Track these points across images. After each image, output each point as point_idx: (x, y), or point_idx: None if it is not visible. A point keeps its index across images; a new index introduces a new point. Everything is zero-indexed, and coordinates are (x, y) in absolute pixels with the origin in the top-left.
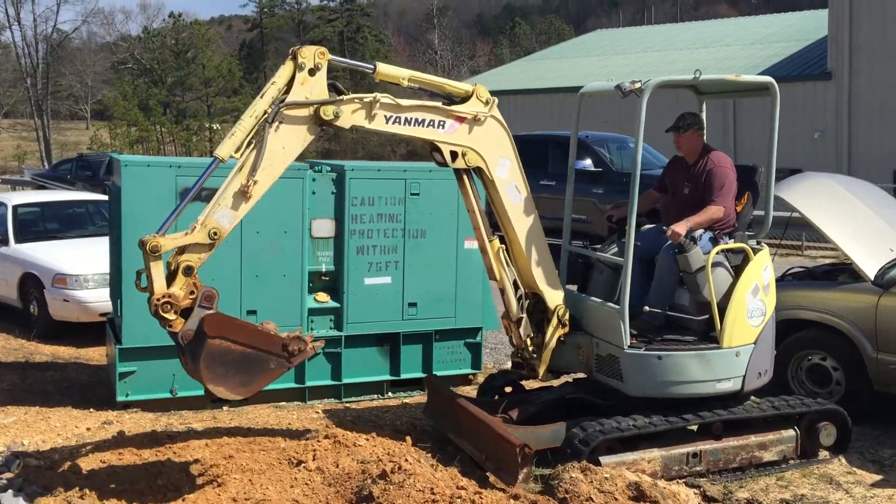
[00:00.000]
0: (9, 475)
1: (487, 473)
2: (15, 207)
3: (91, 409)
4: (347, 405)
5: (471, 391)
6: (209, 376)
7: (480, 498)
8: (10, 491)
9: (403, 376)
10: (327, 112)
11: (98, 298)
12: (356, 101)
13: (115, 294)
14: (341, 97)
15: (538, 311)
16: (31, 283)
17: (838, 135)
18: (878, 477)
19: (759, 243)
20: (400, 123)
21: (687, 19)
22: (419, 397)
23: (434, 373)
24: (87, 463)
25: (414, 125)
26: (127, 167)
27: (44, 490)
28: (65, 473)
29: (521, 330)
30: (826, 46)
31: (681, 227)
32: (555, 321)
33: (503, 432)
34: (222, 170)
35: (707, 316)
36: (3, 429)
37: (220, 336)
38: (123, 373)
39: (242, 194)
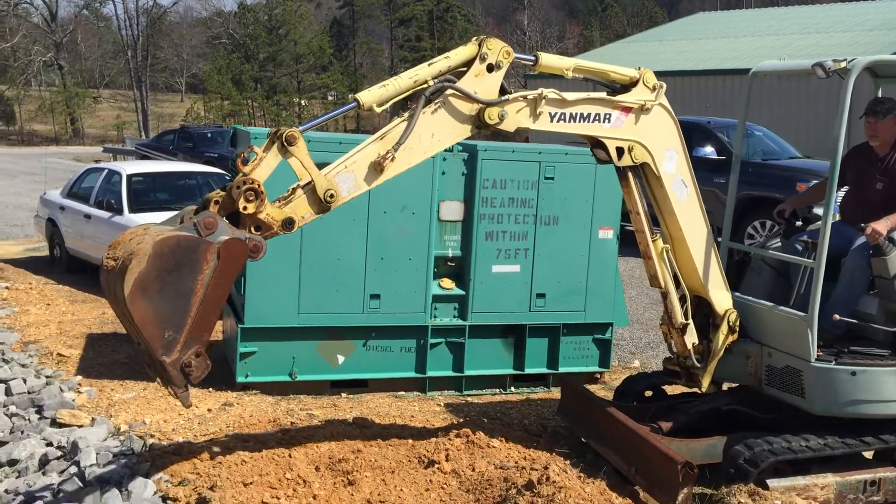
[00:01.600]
0: (134, 459)
1: (637, 489)
2: (129, 177)
3: (210, 389)
4: (469, 398)
5: (598, 390)
6: (158, 249)
7: None
8: (139, 478)
9: (527, 371)
10: (492, 116)
11: None
12: (521, 99)
13: None
14: (506, 97)
15: (700, 315)
16: None
17: None
18: None
19: None
20: (565, 121)
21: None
22: (543, 394)
23: (559, 369)
24: (213, 449)
25: (579, 121)
26: (256, 140)
27: (170, 477)
28: (192, 460)
29: (687, 337)
30: None
31: (881, 226)
32: (724, 327)
33: (661, 446)
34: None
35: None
36: (123, 405)
37: (217, 263)
38: (244, 353)
39: (376, 166)
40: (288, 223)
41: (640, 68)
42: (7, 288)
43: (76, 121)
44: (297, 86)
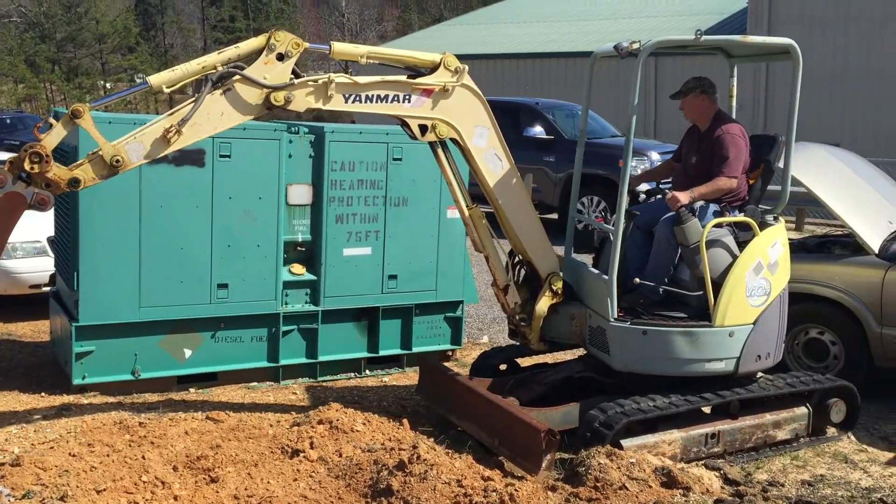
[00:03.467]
0: None
1: (502, 459)
2: None
3: (42, 394)
4: (324, 384)
5: (452, 367)
6: None
7: (515, 490)
8: None
9: (382, 353)
10: (278, 98)
11: (28, 269)
12: (309, 84)
13: (67, 266)
14: (292, 82)
15: (535, 278)
16: None
17: (755, 108)
18: (890, 454)
19: (775, 218)
20: (361, 101)
21: None
22: (398, 375)
23: (413, 349)
24: (57, 457)
25: (376, 102)
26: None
27: (12, 490)
28: (34, 470)
29: (509, 297)
30: (745, 19)
31: (683, 196)
32: (546, 290)
33: (523, 416)
34: None
35: (703, 292)
36: None
37: None
38: (80, 353)
39: (163, 139)
40: (73, 181)
41: (444, 53)
42: None
43: None
44: (101, 67)
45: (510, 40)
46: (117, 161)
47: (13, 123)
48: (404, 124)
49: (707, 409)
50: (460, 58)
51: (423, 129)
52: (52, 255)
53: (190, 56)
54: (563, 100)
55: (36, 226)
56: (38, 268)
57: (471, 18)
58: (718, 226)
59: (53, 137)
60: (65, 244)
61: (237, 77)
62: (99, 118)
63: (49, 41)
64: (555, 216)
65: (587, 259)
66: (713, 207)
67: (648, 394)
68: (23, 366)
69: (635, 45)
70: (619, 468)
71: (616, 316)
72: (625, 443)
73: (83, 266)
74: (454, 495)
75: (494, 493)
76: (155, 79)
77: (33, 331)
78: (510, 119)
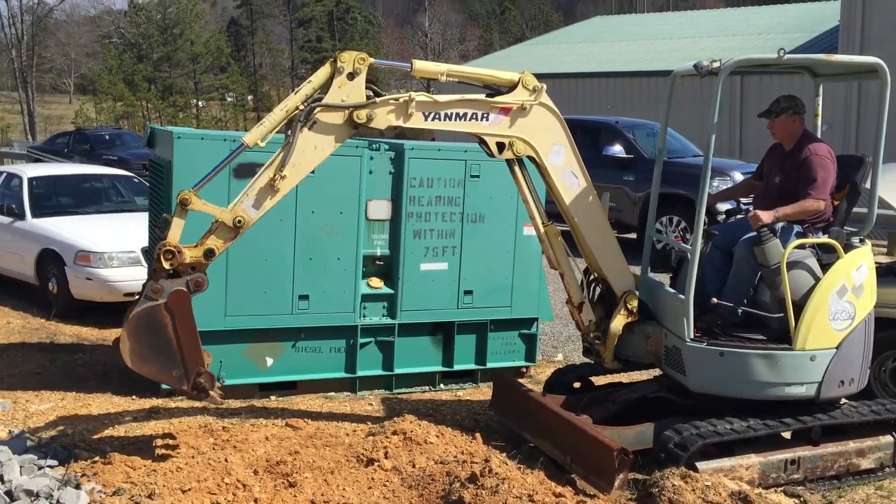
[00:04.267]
0: (60, 470)
1: (574, 477)
2: (31, 180)
3: (133, 397)
4: (400, 396)
5: (525, 384)
6: (131, 328)
7: None
8: (69, 489)
9: (457, 367)
10: (360, 115)
11: (122, 278)
12: (390, 102)
13: None
14: (375, 100)
15: (610, 296)
16: (50, 260)
17: (846, 127)
18: None
19: (861, 241)
20: (440, 119)
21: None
22: (472, 390)
23: (487, 364)
24: (145, 456)
25: (455, 119)
26: (180, 140)
27: (103, 487)
28: (124, 469)
29: (583, 315)
30: (837, 37)
31: (766, 216)
32: (621, 308)
33: (596, 434)
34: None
35: (783, 314)
36: (41, 415)
37: (171, 313)
38: None
39: (270, 188)
40: (209, 253)
41: (523, 72)
42: None
43: None
44: (194, 87)
45: (591, 59)
46: (239, 222)
47: (112, 139)
48: (482, 142)
49: (787, 435)
50: (540, 77)
51: (501, 146)
52: (146, 265)
53: (278, 76)
54: (645, 119)
55: (131, 237)
56: (133, 277)
57: (552, 38)
58: (801, 247)
59: (175, 230)
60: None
61: (318, 108)
62: (192, 135)
63: (146, 61)
64: (633, 235)
65: (664, 279)
66: (796, 228)
67: (725, 416)
68: (116, 370)
69: (716, 64)
70: (693, 490)
71: (693, 336)
72: (700, 465)
73: None
74: None
75: None
76: (249, 137)
77: None
78: (590, 138)
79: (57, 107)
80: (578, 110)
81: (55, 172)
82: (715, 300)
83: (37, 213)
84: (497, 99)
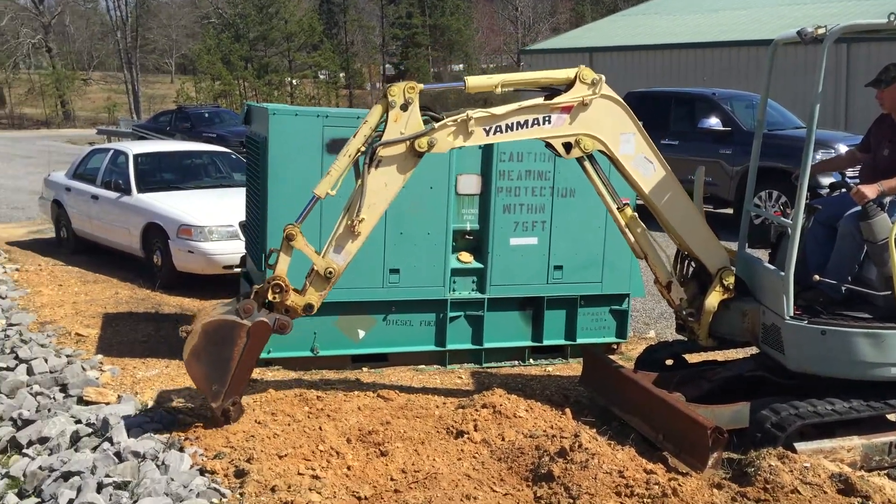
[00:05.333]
0: (165, 434)
1: (666, 454)
2: (136, 157)
3: None
4: (489, 370)
5: (616, 361)
6: (208, 328)
7: (679, 485)
8: (173, 451)
9: (546, 342)
10: (421, 144)
11: (222, 250)
12: (448, 124)
13: (257, 248)
14: (433, 125)
15: (704, 273)
16: (155, 234)
17: None
18: None
19: None
20: (502, 132)
21: None
22: (561, 366)
23: (577, 340)
24: (244, 423)
25: (517, 129)
26: (275, 116)
27: (205, 450)
28: (224, 434)
29: (672, 293)
30: None
31: (870, 190)
32: (716, 285)
33: (690, 412)
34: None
35: (891, 292)
36: (147, 382)
37: (248, 338)
38: None
39: (351, 233)
40: (308, 307)
41: (579, 67)
42: (17, 270)
43: (67, 103)
44: (288, 65)
45: (686, 29)
46: (330, 273)
47: (211, 117)
48: (549, 145)
49: (892, 417)
50: (634, 49)
51: (568, 146)
52: (243, 239)
53: (369, 52)
54: (743, 90)
55: (229, 212)
56: (231, 250)
57: (645, 8)
58: None
59: (283, 265)
60: (254, 229)
61: (378, 146)
62: (287, 111)
63: (242, 41)
64: (729, 211)
65: (762, 255)
66: None
67: (825, 397)
68: None
69: (820, 31)
70: (791, 471)
71: (792, 314)
72: (798, 446)
73: (271, 246)
74: (615, 485)
75: (657, 486)
76: (320, 189)
77: None
78: (685, 110)
79: (160, 86)
80: (673, 82)
81: (159, 149)
82: (817, 277)
83: (142, 188)
84: (556, 100)
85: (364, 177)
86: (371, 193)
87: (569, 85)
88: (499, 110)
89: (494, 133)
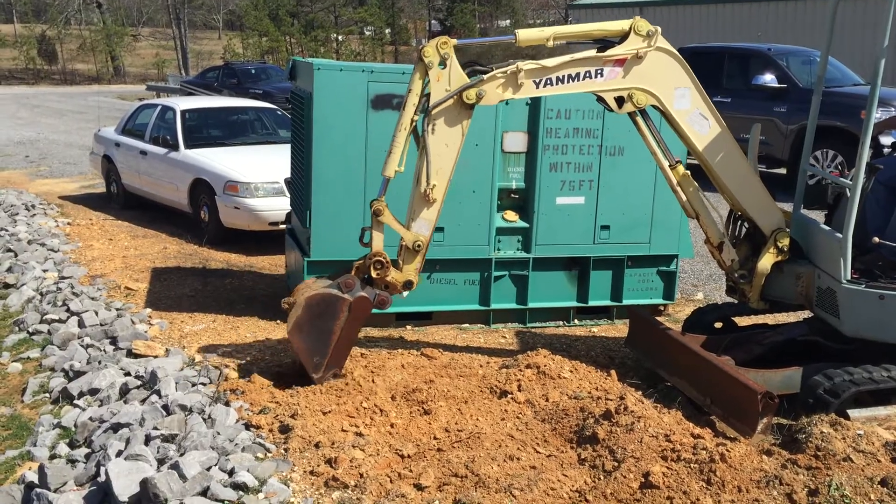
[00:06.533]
0: (212, 387)
1: (713, 419)
2: (183, 112)
3: (278, 321)
4: (533, 331)
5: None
6: (311, 302)
7: (727, 450)
8: (219, 405)
9: (591, 303)
10: (470, 96)
11: (267, 207)
12: (498, 76)
13: (301, 204)
14: (482, 77)
15: (758, 234)
16: (202, 189)
17: None
18: None
19: None
20: (552, 84)
21: None
22: (606, 327)
23: (623, 301)
24: (289, 378)
25: (568, 82)
26: (319, 71)
27: (250, 405)
28: (269, 389)
29: (724, 254)
30: None
31: None
32: (770, 246)
33: (739, 377)
34: None
35: None
36: (195, 336)
37: (349, 312)
38: None
39: (426, 202)
40: (407, 284)
41: (634, 18)
42: (69, 224)
43: (116, 59)
44: (334, 21)
45: None
46: (418, 245)
47: (257, 74)
48: (600, 99)
49: None
50: (686, 3)
51: (620, 100)
52: (289, 196)
53: (415, 8)
54: (800, 45)
55: (275, 168)
56: (277, 206)
57: None
58: None
59: (378, 241)
60: (299, 186)
61: (432, 109)
62: (331, 66)
63: None
64: (783, 171)
65: (818, 216)
66: None
67: (881, 363)
68: (262, 295)
69: None
70: (843, 439)
71: (849, 278)
72: (851, 413)
73: (315, 206)
74: (661, 449)
75: (704, 451)
76: (388, 170)
77: (271, 264)
78: (739, 67)
79: (207, 42)
80: (727, 38)
81: (206, 105)
82: (877, 239)
83: (189, 144)
84: (609, 52)
85: (424, 144)
86: (435, 158)
87: (623, 37)
88: (550, 62)
89: (545, 86)
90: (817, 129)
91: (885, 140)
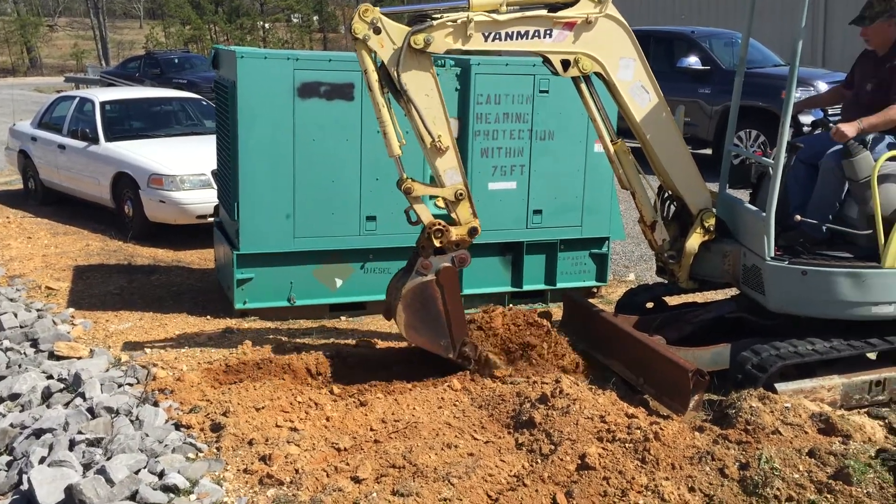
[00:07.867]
0: (139, 388)
1: (647, 398)
2: (102, 104)
3: (208, 317)
4: (469, 317)
5: (597, 304)
6: (406, 302)
7: (660, 429)
8: (147, 406)
9: (526, 288)
10: (417, 41)
11: (194, 200)
12: (448, 24)
13: (229, 196)
14: (431, 23)
15: (685, 214)
16: (125, 183)
17: None
18: None
19: None
20: (501, 39)
21: None
22: (542, 310)
23: (557, 285)
24: (219, 375)
25: (516, 39)
26: (243, 59)
27: (180, 404)
28: (200, 387)
29: (656, 234)
30: None
31: (849, 128)
32: (697, 227)
33: (670, 355)
34: None
35: (872, 231)
36: (120, 335)
37: (441, 288)
38: (241, 280)
39: (440, 152)
40: (472, 231)
41: None
42: None
43: (32, 50)
44: (259, 8)
45: None
46: (461, 193)
47: (181, 63)
48: (546, 60)
49: (872, 356)
50: None
51: (566, 64)
52: (216, 188)
53: None
54: (722, 28)
55: (201, 160)
56: (204, 199)
57: None
58: (893, 159)
59: (425, 212)
60: (226, 177)
61: (393, 70)
62: (255, 54)
63: None
64: (708, 151)
65: (743, 195)
66: (888, 139)
67: (806, 337)
68: (191, 291)
69: None
70: (772, 412)
71: (773, 255)
72: (779, 387)
73: (243, 198)
74: (597, 430)
75: (639, 431)
76: (392, 150)
77: (200, 259)
78: (663, 49)
79: (128, 32)
80: (651, 20)
81: (127, 96)
82: (798, 217)
83: (110, 136)
84: (560, 14)
85: (408, 103)
86: (425, 110)
87: (574, 1)
88: (502, 16)
89: (493, 40)
90: (740, 109)
91: (805, 119)
